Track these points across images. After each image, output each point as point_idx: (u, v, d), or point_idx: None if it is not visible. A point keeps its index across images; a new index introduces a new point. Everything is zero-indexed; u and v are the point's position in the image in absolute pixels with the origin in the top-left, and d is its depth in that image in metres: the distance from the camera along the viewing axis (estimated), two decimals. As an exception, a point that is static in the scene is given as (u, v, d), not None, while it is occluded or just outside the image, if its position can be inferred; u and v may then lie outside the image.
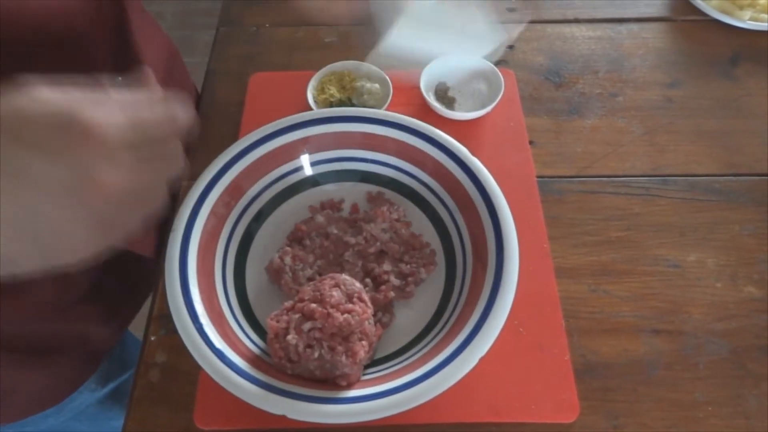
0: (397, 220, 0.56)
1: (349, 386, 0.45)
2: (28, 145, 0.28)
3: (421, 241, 0.55)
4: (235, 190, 0.54)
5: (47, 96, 0.29)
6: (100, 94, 0.31)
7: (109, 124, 0.29)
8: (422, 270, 0.53)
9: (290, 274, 0.53)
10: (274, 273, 0.53)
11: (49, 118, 0.28)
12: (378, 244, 0.54)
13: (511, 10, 0.82)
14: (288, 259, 0.53)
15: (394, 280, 0.52)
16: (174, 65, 0.68)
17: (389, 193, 0.59)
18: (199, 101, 0.76)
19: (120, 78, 0.54)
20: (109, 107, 0.30)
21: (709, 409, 0.51)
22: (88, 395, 0.67)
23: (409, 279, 0.53)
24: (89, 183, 0.29)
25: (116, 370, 0.70)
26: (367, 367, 0.49)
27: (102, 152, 0.29)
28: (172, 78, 0.66)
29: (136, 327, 0.53)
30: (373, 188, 0.59)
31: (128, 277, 0.66)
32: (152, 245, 0.64)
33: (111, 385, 0.70)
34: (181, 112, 0.34)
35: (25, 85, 0.29)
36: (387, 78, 0.69)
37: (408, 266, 0.54)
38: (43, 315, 0.55)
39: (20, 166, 0.28)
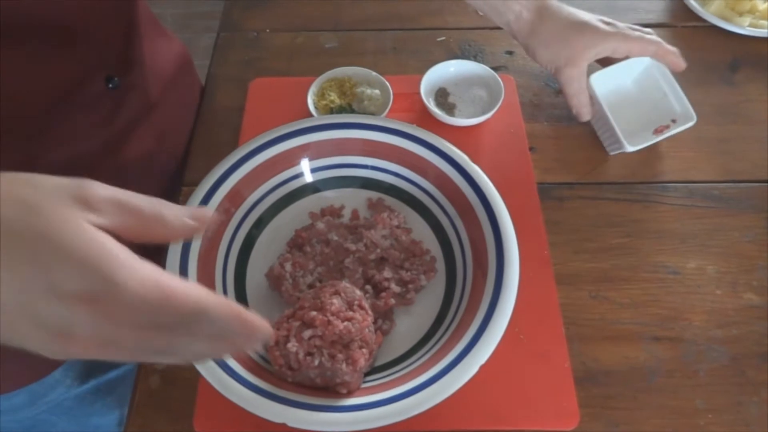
0: (398, 227, 0.56)
1: (350, 394, 0.45)
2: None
3: (422, 247, 0.55)
4: (235, 197, 0.55)
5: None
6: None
7: (136, 294, 0.26)
8: (422, 277, 0.53)
9: (290, 280, 0.53)
10: (275, 280, 0.53)
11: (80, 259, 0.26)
12: (378, 250, 0.54)
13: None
14: (288, 266, 0.53)
15: (395, 287, 0.52)
16: (184, 72, 0.67)
17: (389, 200, 0.59)
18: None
19: (116, 78, 0.55)
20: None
21: (710, 416, 0.51)
22: (63, 390, 0.66)
23: (410, 286, 0.53)
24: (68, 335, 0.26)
25: (99, 366, 0.69)
26: (367, 374, 0.49)
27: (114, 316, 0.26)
28: (178, 85, 0.66)
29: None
30: (374, 195, 0.59)
31: None
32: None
33: (92, 382, 0.69)
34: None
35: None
36: (387, 84, 0.69)
37: (408, 273, 0.53)
38: None
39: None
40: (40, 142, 0.50)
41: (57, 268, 0.25)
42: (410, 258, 0.55)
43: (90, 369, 0.69)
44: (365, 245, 0.54)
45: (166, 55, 0.65)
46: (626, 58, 0.65)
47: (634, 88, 0.69)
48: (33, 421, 0.67)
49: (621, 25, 0.63)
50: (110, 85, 0.55)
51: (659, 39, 0.64)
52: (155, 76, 0.62)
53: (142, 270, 0.27)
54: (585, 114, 0.65)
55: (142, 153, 0.62)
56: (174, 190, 0.67)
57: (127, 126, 0.59)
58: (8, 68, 0.43)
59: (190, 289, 0.28)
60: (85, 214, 0.27)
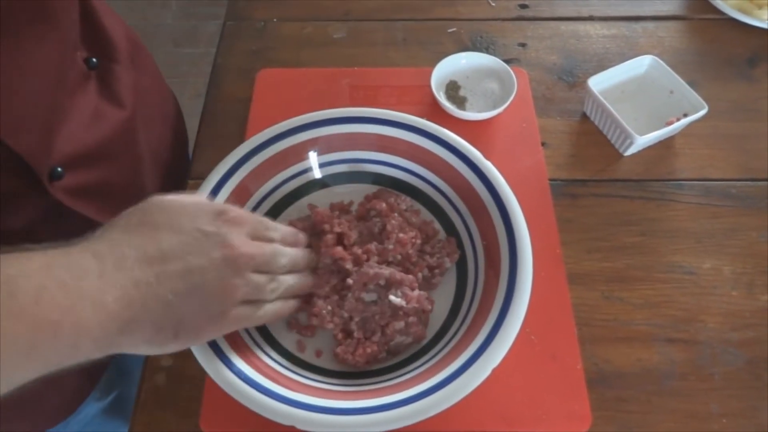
0: (406, 210, 0.55)
1: (418, 340, 0.50)
2: (190, 228, 0.38)
3: (434, 227, 0.55)
4: (242, 192, 0.53)
5: (193, 197, 0.41)
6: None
7: (244, 218, 0.41)
8: (447, 260, 0.53)
9: None
10: None
11: (210, 211, 0.39)
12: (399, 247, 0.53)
13: (523, 6, 0.80)
14: None
15: (426, 273, 0.52)
16: (136, 52, 0.64)
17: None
18: (164, 87, 0.73)
19: (94, 60, 0.53)
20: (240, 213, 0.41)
21: (724, 421, 0.50)
22: (94, 405, 0.66)
23: (436, 271, 0.53)
24: (229, 246, 0.38)
25: (116, 378, 0.69)
26: (377, 374, 0.48)
27: (240, 231, 0.39)
28: (137, 63, 0.63)
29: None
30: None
31: None
32: None
33: (113, 394, 0.69)
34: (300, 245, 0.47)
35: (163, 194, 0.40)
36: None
37: (434, 258, 0.53)
38: None
39: (182, 244, 0.37)
40: (49, 137, 0.48)
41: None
42: (429, 241, 0.54)
43: (111, 381, 0.68)
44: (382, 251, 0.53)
45: (120, 33, 0.62)
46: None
47: (637, 91, 0.68)
48: None
49: None
50: (90, 66, 0.53)
51: None
52: (122, 53, 0.59)
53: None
54: None
55: (140, 137, 0.60)
56: (179, 182, 0.66)
57: (120, 107, 0.57)
58: (7, 63, 0.41)
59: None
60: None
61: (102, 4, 0.58)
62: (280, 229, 0.44)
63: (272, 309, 0.43)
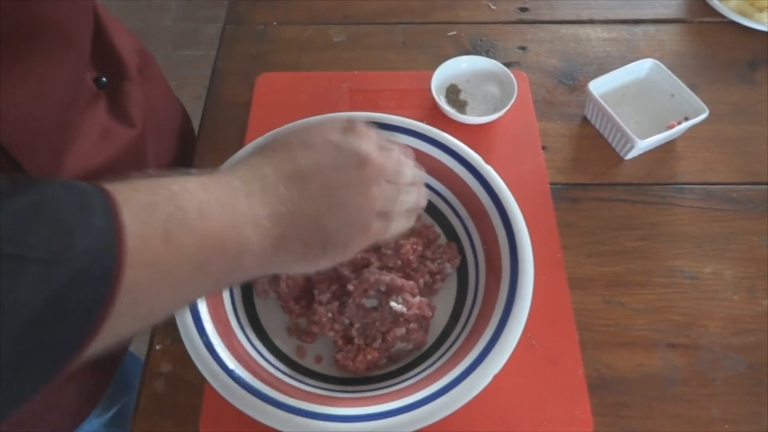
0: None
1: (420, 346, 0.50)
2: (323, 143, 0.38)
3: (434, 232, 0.55)
4: (242, 197, 0.53)
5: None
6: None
7: (371, 132, 0.40)
8: (448, 265, 0.53)
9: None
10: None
11: (337, 125, 0.39)
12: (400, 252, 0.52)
13: (523, 9, 0.80)
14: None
15: (427, 278, 0.52)
16: (145, 64, 0.64)
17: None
18: (171, 95, 0.72)
19: (104, 79, 0.53)
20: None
21: (726, 426, 0.50)
22: (95, 421, 0.66)
23: (437, 276, 0.52)
24: (362, 157, 0.38)
25: (118, 392, 0.68)
26: (377, 380, 0.48)
27: (369, 141, 0.39)
28: (145, 74, 0.62)
29: (141, 339, 0.52)
30: None
31: None
32: None
33: (114, 409, 0.69)
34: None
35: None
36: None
37: (435, 264, 0.53)
38: None
39: (319, 160, 0.37)
40: (58, 157, 0.48)
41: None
42: (429, 246, 0.54)
43: (113, 395, 0.68)
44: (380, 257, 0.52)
45: (128, 46, 0.62)
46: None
47: (637, 95, 0.68)
48: None
49: None
50: (100, 86, 0.53)
51: None
52: (132, 70, 0.59)
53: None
54: None
55: (148, 150, 0.60)
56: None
57: (130, 126, 0.57)
58: (18, 80, 0.40)
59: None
60: None
61: (112, 21, 0.58)
62: (396, 142, 0.43)
63: (399, 225, 0.42)
